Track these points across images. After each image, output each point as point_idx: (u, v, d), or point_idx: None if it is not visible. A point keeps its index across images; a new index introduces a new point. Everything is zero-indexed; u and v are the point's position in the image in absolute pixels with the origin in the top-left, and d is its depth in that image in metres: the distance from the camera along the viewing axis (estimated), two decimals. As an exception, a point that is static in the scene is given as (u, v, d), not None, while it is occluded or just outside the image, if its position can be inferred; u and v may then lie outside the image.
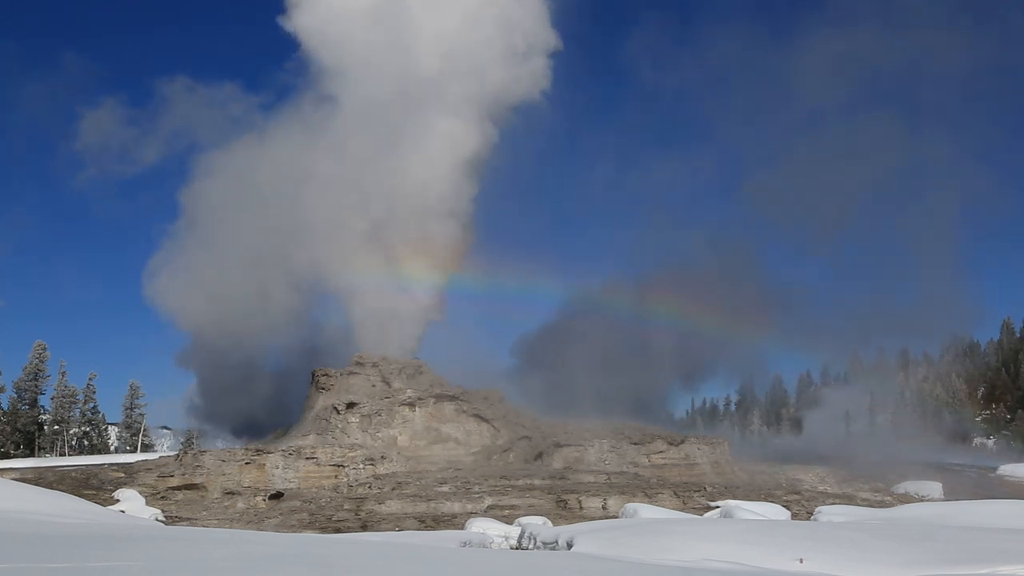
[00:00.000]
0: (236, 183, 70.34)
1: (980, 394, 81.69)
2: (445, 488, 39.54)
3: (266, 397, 65.63)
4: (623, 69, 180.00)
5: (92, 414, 65.68)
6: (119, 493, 37.90)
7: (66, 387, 61.73)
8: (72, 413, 62.71)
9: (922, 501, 40.10)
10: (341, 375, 50.96)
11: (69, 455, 57.61)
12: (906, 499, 41.68)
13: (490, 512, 36.53)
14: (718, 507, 35.88)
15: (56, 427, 61.25)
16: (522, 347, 72.54)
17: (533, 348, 70.29)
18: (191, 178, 77.45)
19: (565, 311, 73.08)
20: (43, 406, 60.83)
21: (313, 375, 52.84)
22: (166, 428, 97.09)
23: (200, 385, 74.08)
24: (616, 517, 33.46)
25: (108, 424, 70.27)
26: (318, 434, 45.91)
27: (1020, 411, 75.33)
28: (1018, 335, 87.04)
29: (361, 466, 42.11)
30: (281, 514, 36.43)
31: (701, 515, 34.68)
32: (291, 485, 40.54)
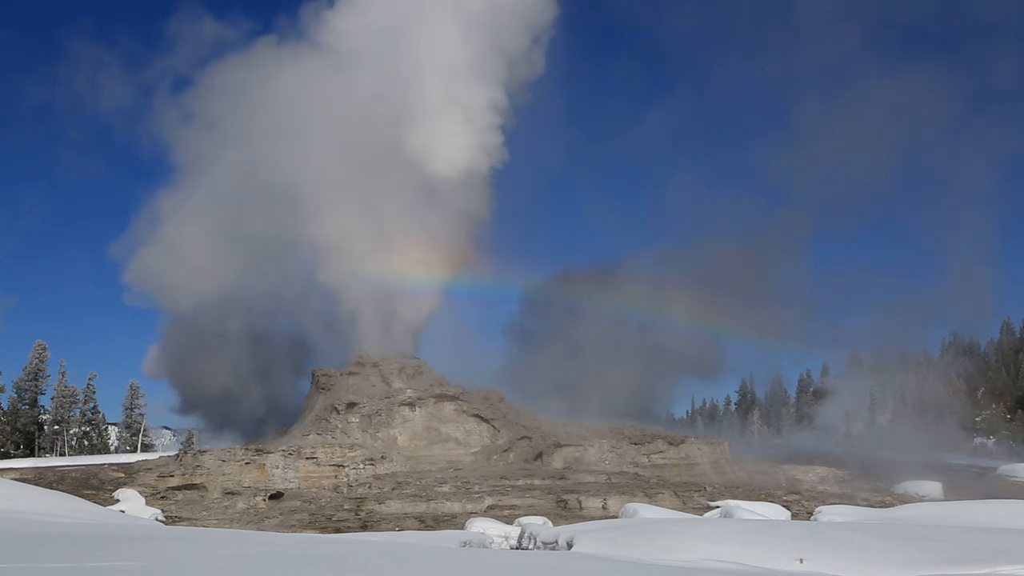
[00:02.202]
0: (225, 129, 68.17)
1: (980, 394, 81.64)
2: (445, 488, 39.55)
3: (249, 380, 64.73)
4: (624, 25, 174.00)
5: (92, 414, 65.60)
6: (119, 493, 37.91)
7: (66, 387, 61.66)
8: (72, 413, 62.62)
9: (922, 501, 40.09)
10: (341, 375, 51.02)
11: (69, 455, 57.57)
12: (906, 499, 41.69)
13: (490, 512, 36.55)
14: (718, 507, 35.88)
15: (56, 427, 61.17)
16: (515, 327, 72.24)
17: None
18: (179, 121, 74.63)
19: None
20: (43, 406, 60.78)
21: (313, 375, 52.89)
22: (166, 428, 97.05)
23: (172, 359, 71.66)
24: (616, 517, 33.45)
25: (108, 424, 70.19)
26: (318, 434, 45.91)
27: (1020, 411, 75.33)
28: (1018, 335, 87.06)
29: (361, 466, 42.13)
30: (281, 514, 36.45)
31: (701, 515, 34.67)
32: (291, 485, 40.56)
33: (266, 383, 66.67)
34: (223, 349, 65.13)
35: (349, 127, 58.75)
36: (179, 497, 38.70)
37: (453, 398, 49.17)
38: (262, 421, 64.05)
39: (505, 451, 47.33)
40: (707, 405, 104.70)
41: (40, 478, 38.94)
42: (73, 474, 41.37)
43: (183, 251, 68.77)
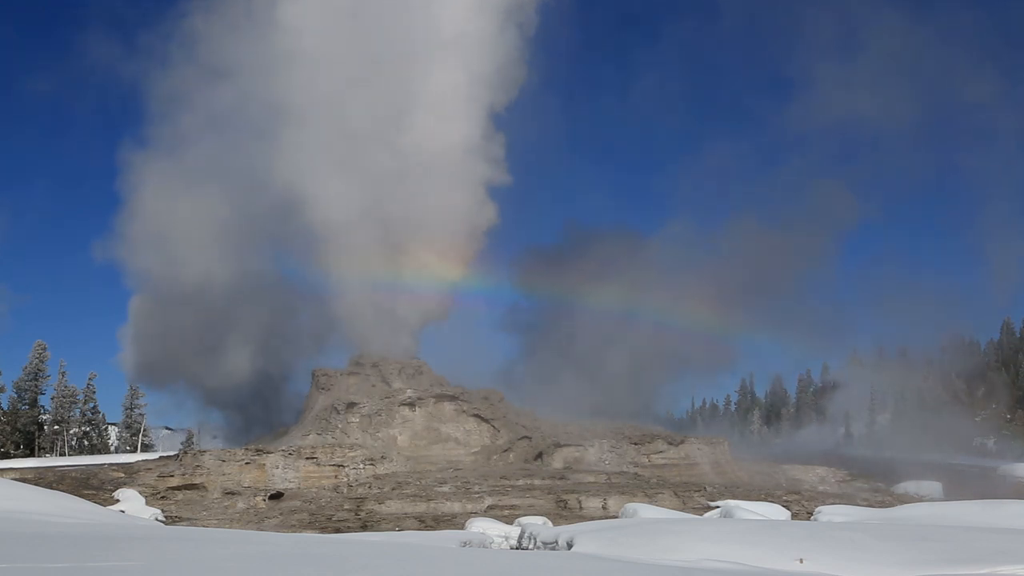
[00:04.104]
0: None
1: (980, 394, 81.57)
2: (445, 488, 39.56)
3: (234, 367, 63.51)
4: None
5: (92, 414, 65.61)
6: (119, 493, 37.91)
7: (66, 387, 61.67)
8: (72, 413, 62.64)
9: (922, 501, 40.08)
10: (341, 375, 51.06)
11: (69, 455, 57.56)
12: (906, 499, 41.67)
13: (490, 512, 36.55)
14: (718, 507, 35.89)
15: (56, 427, 61.18)
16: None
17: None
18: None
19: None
20: (43, 406, 60.76)
21: (313, 375, 52.87)
22: (167, 428, 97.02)
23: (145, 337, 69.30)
24: (616, 517, 33.45)
25: (108, 424, 70.11)
26: (318, 434, 45.93)
27: (1020, 411, 75.29)
28: (1018, 335, 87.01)
29: (361, 466, 42.13)
30: (281, 514, 36.46)
31: (701, 515, 34.68)
32: (291, 485, 40.56)
33: (270, 372, 65.63)
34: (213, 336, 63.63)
35: (346, 114, 57.00)
36: (179, 497, 38.71)
37: (453, 398, 49.18)
38: (264, 414, 63.48)
39: (505, 451, 47.33)
40: (707, 405, 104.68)
41: (40, 478, 38.92)
42: (73, 474, 41.36)
43: (173, 230, 66.14)
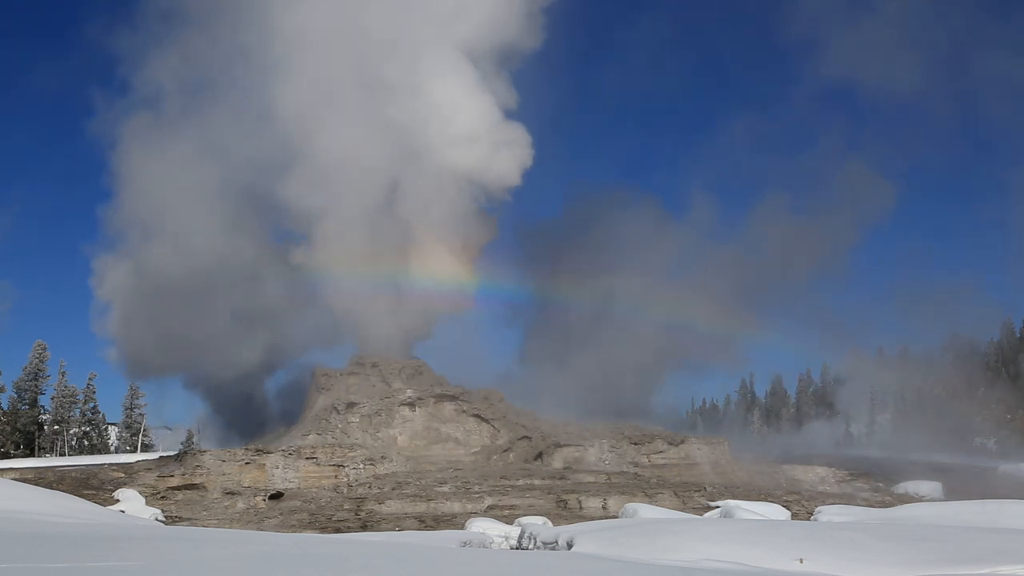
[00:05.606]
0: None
1: (980, 394, 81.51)
2: (445, 488, 39.57)
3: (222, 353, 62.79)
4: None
5: (92, 414, 65.64)
6: (119, 493, 37.91)
7: (66, 387, 61.71)
8: (72, 413, 62.67)
9: (922, 501, 40.08)
10: (341, 375, 51.07)
11: (69, 455, 57.57)
12: (906, 499, 41.67)
13: (490, 512, 36.56)
14: (718, 507, 35.89)
15: (56, 427, 61.21)
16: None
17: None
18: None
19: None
20: (43, 406, 60.80)
21: (313, 375, 52.89)
22: (167, 428, 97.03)
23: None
24: (616, 517, 33.45)
25: (108, 424, 70.13)
26: (318, 434, 45.94)
27: (1020, 411, 75.25)
28: (1018, 335, 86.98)
29: (361, 466, 42.14)
30: (281, 514, 36.47)
31: (701, 515, 34.68)
32: (291, 485, 40.56)
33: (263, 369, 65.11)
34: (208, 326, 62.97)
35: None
36: (179, 497, 38.71)
37: (453, 398, 49.19)
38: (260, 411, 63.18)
39: (505, 451, 47.34)
40: (707, 405, 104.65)
41: (40, 478, 38.91)
42: (73, 474, 41.35)
43: (159, 215, 65.07)
